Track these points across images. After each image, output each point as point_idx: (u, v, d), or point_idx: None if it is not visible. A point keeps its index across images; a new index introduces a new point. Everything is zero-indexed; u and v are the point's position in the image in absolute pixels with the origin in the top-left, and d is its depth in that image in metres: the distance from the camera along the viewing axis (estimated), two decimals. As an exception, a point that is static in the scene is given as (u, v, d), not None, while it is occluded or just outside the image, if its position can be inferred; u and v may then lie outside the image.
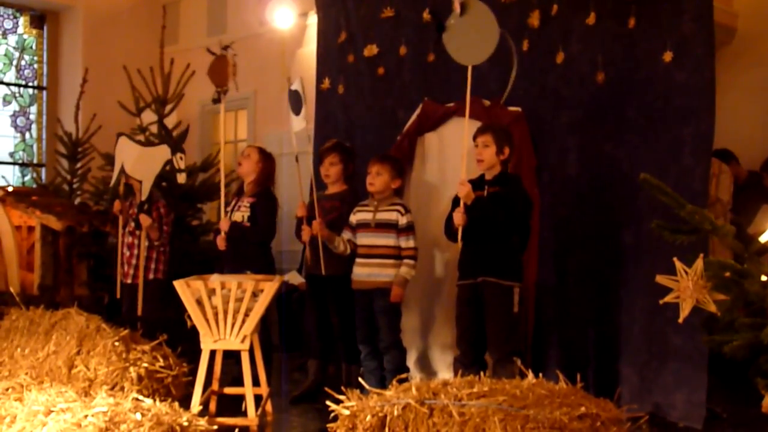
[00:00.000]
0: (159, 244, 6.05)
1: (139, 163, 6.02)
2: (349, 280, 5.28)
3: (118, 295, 6.03)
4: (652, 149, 5.01)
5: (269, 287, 4.64)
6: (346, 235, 5.32)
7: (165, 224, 6.10)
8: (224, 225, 5.63)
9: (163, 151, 6.00)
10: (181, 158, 5.92)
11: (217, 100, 5.76)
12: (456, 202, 4.80)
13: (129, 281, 6.06)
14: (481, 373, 3.63)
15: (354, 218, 5.34)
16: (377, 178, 5.30)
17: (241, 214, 5.69)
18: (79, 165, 8.33)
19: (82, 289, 6.63)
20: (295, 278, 6.96)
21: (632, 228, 5.07)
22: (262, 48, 5.96)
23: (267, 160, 5.86)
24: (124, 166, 6.07)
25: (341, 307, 5.46)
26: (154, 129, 7.43)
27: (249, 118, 9.32)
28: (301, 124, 5.42)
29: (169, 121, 7.54)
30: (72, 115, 8.39)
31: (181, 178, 6.02)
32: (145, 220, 5.95)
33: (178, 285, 4.58)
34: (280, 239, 6.18)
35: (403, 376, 4.10)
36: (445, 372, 5.52)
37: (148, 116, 7.54)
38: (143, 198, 5.94)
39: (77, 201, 7.96)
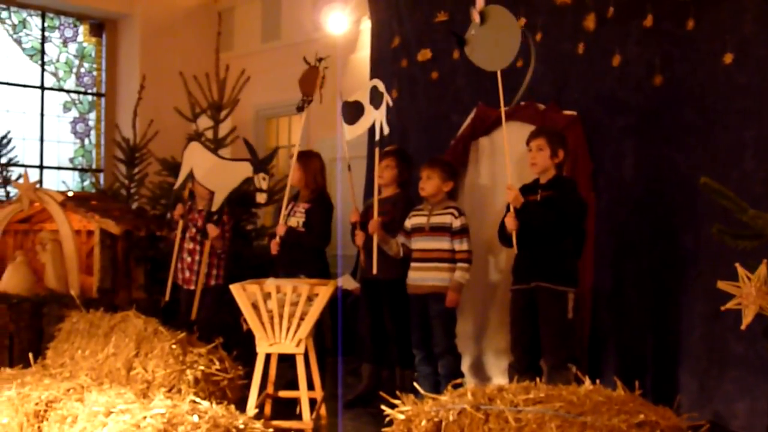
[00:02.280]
0: (221, 253, 6.09)
1: (214, 173, 5.99)
2: (404, 285, 5.28)
3: (167, 298, 6.04)
4: (711, 152, 4.93)
5: (324, 291, 4.66)
6: (401, 239, 5.32)
7: (227, 231, 6.12)
8: (280, 230, 5.68)
9: (243, 168, 5.93)
10: (264, 179, 5.86)
11: (300, 108, 5.85)
12: (510, 206, 4.78)
13: (192, 287, 6.07)
14: (537, 379, 3.60)
15: (409, 223, 5.34)
16: (428, 182, 5.29)
17: (297, 220, 5.73)
18: (136, 170, 8.46)
19: (139, 292, 6.73)
20: (349, 282, 6.98)
21: (691, 232, 4.99)
22: (316, 54, 6.00)
23: (307, 164, 5.87)
24: (195, 172, 6.05)
25: (396, 312, 5.46)
26: (209, 134, 7.51)
27: (303, 123, 9.37)
28: (355, 132, 5.44)
29: (224, 127, 7.62)
30: (130, 121, 8.52)
31: (261, 198, 5.92)
32: (213, 230, 5.94)
33: (235, 289, 4.63)
34: (334, 243, 6.19)
35: (458, 381, 4.09)
36: (499, 377, 5.49)
37: (204, 122, 7.63)
38: (214, 209, 5.95)
39: (134, 205, 8.08)
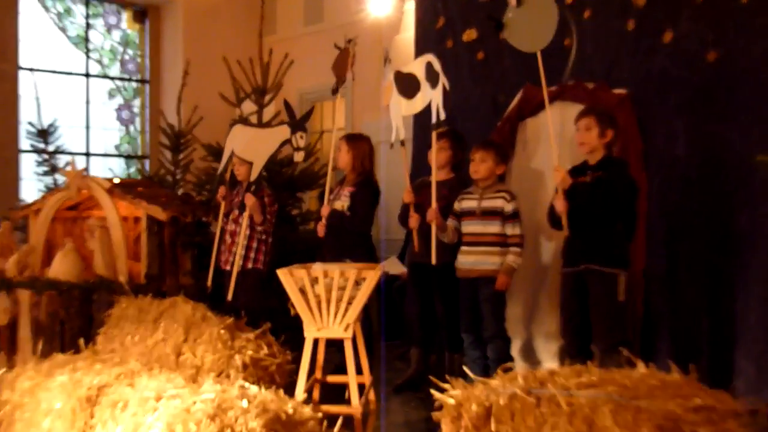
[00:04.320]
0: (261, 230, 6.04)
1: (252, 144, 6.00)
2: (454, 268, 5.27)
3: (210, 283, 6.08)
4: (767, 130, 4.84)
5: (372, 275, 4.68)
6: (451, 223, 5.31)
7: (268, 213, 6.11)
8: (325, 211, 5.71)
9: (281, 132, 5.94)
10: (301, 137, 5.86)
11: (335, 91, 5.94)
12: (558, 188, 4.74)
13: (228, 268, 6.10)
14: (588, 363, 3.58)
15: (459, 206, 5.33)
16: (481, 165, 5.27)
17: (341, 203, 5.75)
18: (181, 156, 8.54)
19: (186, 278, 6.79)
20: (396, 266, 6.99)
21: (747, 212, 4.90)
22: (360, 35, 6.00)
23: (356, 147, 5.88)
24: (234, 150, 6.08)
25: (446, 295, 5.46)
26: (254, 119, 7.56)
27: (347, 106, 9.40)
28: (412, 108, 5.35)
29: (269, 111, 7.66)
30: (174, 107, 8.60)
31: (299, 156, 5.92)
32: (249, 198, 5.90)
33: (282, 273, 4.67)
34: (379, 227, 6.20)
35: (508, 365, 4.08)
36: (549, 362, 5.47)
37: (248, 106, 7.68)
38: (252, 178, 5.93)
39: (180, 192, 8.17)
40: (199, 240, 6.85)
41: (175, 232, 6.68)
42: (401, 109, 5.37)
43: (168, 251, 6.65)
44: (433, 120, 5.13)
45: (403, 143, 5.45)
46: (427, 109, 5.17)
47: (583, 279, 4.69)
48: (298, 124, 5.89)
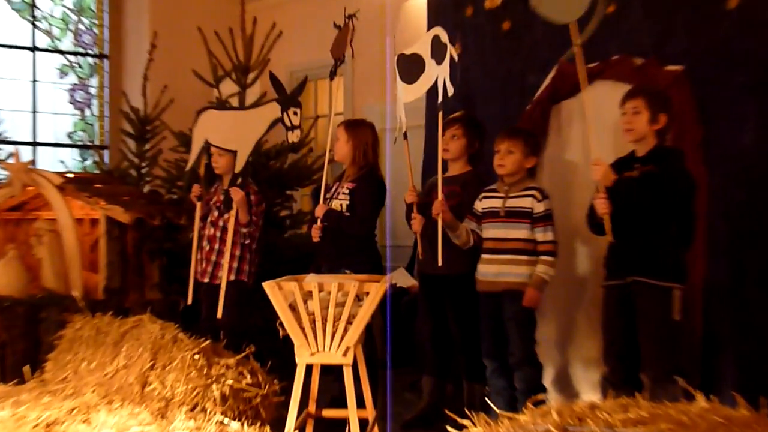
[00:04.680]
0: (246, 233, 6.03)
1: (234, 131, 6.03)
2: (472, 280, 5.27)
3: (190, 301, 6.08)
4: None
5: (376, 289, 4.67)
6: (470, 225, 5.31)
7: (254, 214, 6.08)
8: (319, 211, 5.72)
9: (270, 110, 5.98)
10: (294, 113, 5.90)
11: (333, 74, 5.98)
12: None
13: (206, 280, 6.10)
14: (637, 395, 3.57)
15: (480, 205, 5.33)
16: (508, 157, 5.26)
17: (340, 202, 5.75)
18: (148, 146, 8.57)
19: (154, 292, 6.80)
20: (405, 278, 7.00)
21: (829, 214, 4.90)
22: (361, 5, 6.00)
23: (356, 135, 5.89)
24: (210, 140, 6.09)
25: (462, 313, 5.47)
26: (234, 102, 7.56)
27: (346, 87, 9.41)
28: (415, 92, 5.42)
29: (252, 93, 7.67)
30: (139, 87, 8.61)
31: (293, 136, 5.95)
32: (236, 192, 5.90)
33: (268, 287, 4.66)
34: (385, 231, 6.20)
35: (539, 397, 4.08)
36: (589, 393, 5.47)
37: (228, 87, 7.68)
38: (237, 169, 5.95)
39: (147, 189, 8.17)
40: (169, 247, 6.86)
41: (140, 238, 6.69)
42: (402, 96, 5.43)
43: (132, 260, 6.66)
44: (439, 98, 5.16)
45: (405, 136, 5.48)
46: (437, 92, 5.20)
47: (629, 294, 4.69)
48: (289, 98, 5.94)
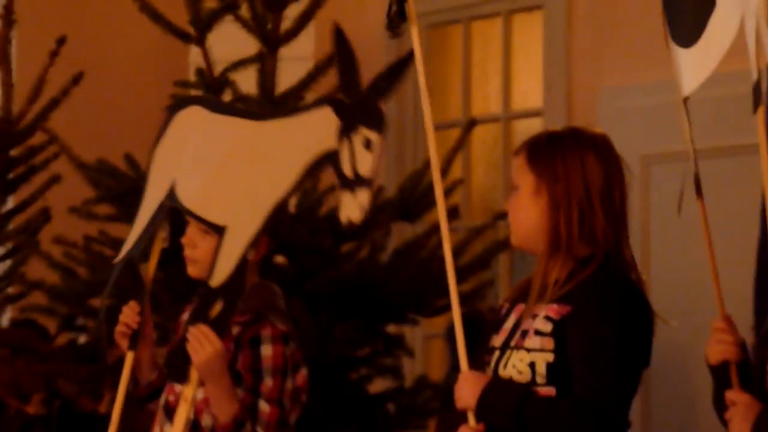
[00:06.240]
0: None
1: (230, 168, 2.41)
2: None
3: None
4: None
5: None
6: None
7: (270, 397, 2.02)
8: (467, 386, 2.86)
9: (315, 127, 2.08)
10: (367, 144, 2.42)
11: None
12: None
13: None
14: None
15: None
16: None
17: (526, 356, 3.29)
18: (9, 199, 4.81)
19: None
20: None
21: None
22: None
23: (557, 178, 2.44)
24: (184, 198, 2.58)
25: None
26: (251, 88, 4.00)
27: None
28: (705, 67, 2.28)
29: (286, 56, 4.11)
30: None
31: (355, 212, 2.62)
32: (203, 341, 2.07)
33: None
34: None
35: None
36: None
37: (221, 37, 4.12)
38: (214, 281, 2.34)
39: (7, 320, 4.86)
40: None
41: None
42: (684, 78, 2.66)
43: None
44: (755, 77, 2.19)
45: (699, 187, 2.58)
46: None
47: None
48: (368, 99, 2.55)
